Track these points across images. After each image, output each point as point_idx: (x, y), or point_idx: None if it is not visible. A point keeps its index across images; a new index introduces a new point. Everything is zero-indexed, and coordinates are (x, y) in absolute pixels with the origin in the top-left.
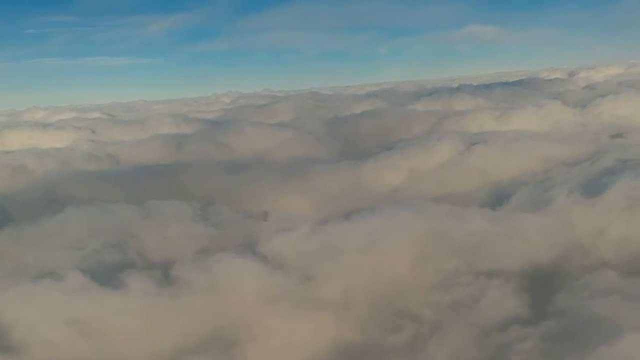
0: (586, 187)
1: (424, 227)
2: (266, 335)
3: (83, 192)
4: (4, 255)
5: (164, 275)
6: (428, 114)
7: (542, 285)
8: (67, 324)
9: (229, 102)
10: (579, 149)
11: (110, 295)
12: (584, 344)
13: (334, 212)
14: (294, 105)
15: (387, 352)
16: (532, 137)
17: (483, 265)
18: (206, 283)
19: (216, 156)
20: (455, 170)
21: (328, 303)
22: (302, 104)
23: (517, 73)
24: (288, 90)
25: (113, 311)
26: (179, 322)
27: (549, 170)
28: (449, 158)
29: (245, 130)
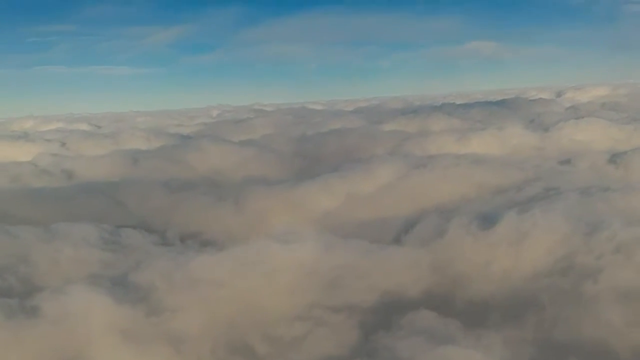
0: (487, 218)
1: (298, 259)
2: None
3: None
4: None
5: (20, 305)
6: (393, 134)
7: (378, 322)
8: None
9: (214, 116)
10: (516, 176)
11: None
12: None
13: (252, 236)
14: (273, 121)
15: None
16: (476, 162)
17: (339, 299)
18: (58, 314)
19: (169, 174)
20: (387, 195)
21: (172, 337)
22: (280, 120)
23: (510, 91)
24: (279, 104)
25: None
26: (13, 357)
27: (470, 199)
28: (385, 183)
29: (207, 148)
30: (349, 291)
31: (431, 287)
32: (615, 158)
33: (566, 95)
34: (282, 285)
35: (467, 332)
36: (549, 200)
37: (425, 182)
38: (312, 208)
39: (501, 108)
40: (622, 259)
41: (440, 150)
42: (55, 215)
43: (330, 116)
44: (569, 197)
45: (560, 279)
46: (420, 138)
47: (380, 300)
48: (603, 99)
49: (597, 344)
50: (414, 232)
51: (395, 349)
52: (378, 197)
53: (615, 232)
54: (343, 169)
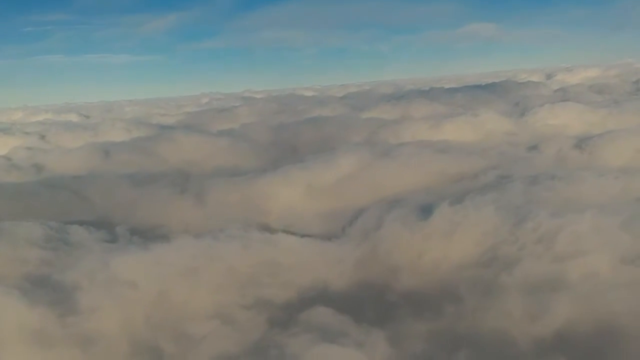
0: (426, 209)
1: (220, 256)
2: None
3: None
4: None
5: None
6: (370, 121)
7: (287, 319)
8: None
9: (203, 104)
10: (478, 163)
11: None
12: None
13: (208, 230)
14: (257, 109)
15: None
16: (441, 150)
17: (253, 296)
18: None
19: (138, 166)
20: (346, 186)
21: (82, 339)
22: (264, 108)
23: (504, 73)
24: (271, 90)
25: None
26: None
27: (425, 189)
28: (347, 173)
29: (181, 139)
30: (265, 288)
31: (355, 282)
32: (581, 143)
33: (556, 77)
34: (200, 283)
35: (361, 328)
36: (494, 190)
37: (385, 172)
38: (272, 200)
39: (488, 92)
40: (542, 250)
41: (414, 138)
42: (10, 212)
43: (316, 103)
44: (515, 186)
45: (483, 271)
46: (395, 125)
47: (294, 296)
48: (592, 81)
49: (498, 335)
50: (357, 224)
51: (284, 347)
52: (337, 188)
53: (539, 223)
54: (307, 159)
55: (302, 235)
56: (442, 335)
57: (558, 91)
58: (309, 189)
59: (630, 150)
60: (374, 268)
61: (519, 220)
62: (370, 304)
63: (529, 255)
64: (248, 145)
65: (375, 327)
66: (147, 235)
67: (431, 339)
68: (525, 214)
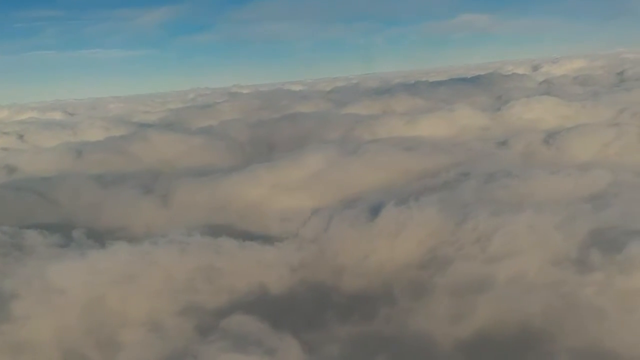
0: (376, 209)
1: (159, 262)
2: None
3: None
4: None
5: None
6: (347, 118)
7: (214, 326)
8: None
9: (188, 100)
10: (444, 160)
11: None
12: None
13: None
14: (239, 105)
15: None
16: (410, 147)
17: (185, 303)
18: None
19: (109, 167)
20: (310, 186)
21: (11, 348)
22: (247, 105)
23: (493, 65)
24: (259, 85)
25: None
26: None
27: (388, 187)
28: (313, 172)
29: (156, 138)
30: (198, 294)
31: (296, 285)
32: (549, 138)
33: (542, 69)
34: (135, 289)
35: (278, 335)
36: (450, 188)
37: (350, 171)
38: (236, 200)
39: (472, 85)
40: (477, 251)
41: (389, 134)
42: None
43: (300, 99)
44: (470, 184)
45: (421, 272)
46: (371, 121)
47: (227, 302)
48: (577, 72)
49: (421, 337)
50: (309, 225)
51: (197, 356)
52: (301, 188)
53: (478, 223)
54: (276, 158)
55: (258, 237)
56: (367, 339)
57: (543, 83)
58: (273, 189)
59: (596, 145)
60: (319, 270)
61: (461, 220)
62: (308, 307)
63: (464, 256)
64: (224, 143)
65: (300, 333)
66: (107, 238)
67: (354, 343)
68: (468, 214)
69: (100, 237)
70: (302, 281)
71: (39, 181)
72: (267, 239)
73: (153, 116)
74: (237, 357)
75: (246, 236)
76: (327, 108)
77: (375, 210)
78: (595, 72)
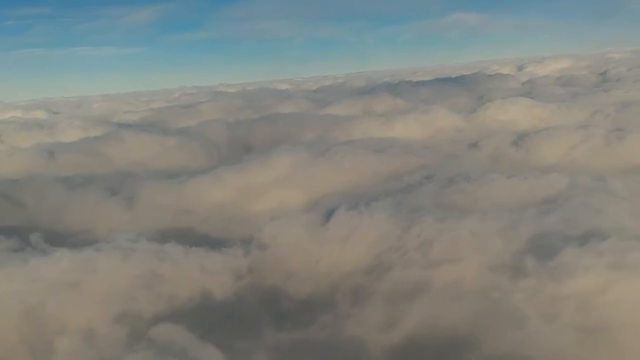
0: (331, 214)
1: (100, 269)
2: None
3: None
4: None
5: None
6: (324, 119)
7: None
8: None
9: (173, 99)
10: (411, 163)
11: None
12: None
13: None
14: (221, 105)
15: None
16: (379, 149)
17: (121, 310)
18: None
19: (81, 168)
20: (276, 188)
21: None
22: (229, 104)
23: (480, 64)
24: (246, 83)
25: None
26: None
27: (351, 190)
28: (279, 175)
29: (130, 139)
30: (136, 302)
31: (240, 291)
32: (518, 141)
33: (527, 69)
34: (73, 297)
35: (203, 344)
36: (410, 192)
37: (316, 173)
38: (199, 204)
39: (456, 85)
40: (419, 256)
41: (364, 135)
42: None
43: (283, 99)
44: (429, 188)
45: (364, 277)
46: (347, 122)
47: (164, 310)
48: (561, 72)
49: (353, 344)
50: (266, 229)
51: None
52: (265, 191)
53: (424, 228)
54: (244, 160)
55: (216, 241)
56: (298, 346)
57: (526, 83)
58: (240, 192)
59: (563, 148)
60: (268, 276)
61: (408, 226)
62: (249, 314)
63: (406, 261)
64: (199, 144)
65: (233, 341)
66: (67, 241)
67: (285, 351)
68: (416, 219)
69: (59, 241)
70: (250, 287)
71: (5, 183)
72: (224, 243)
73: (135, 116)
74: None
75: (205, 240)
76: (308, 108)
77: (331, 214)
78: (580, 72)
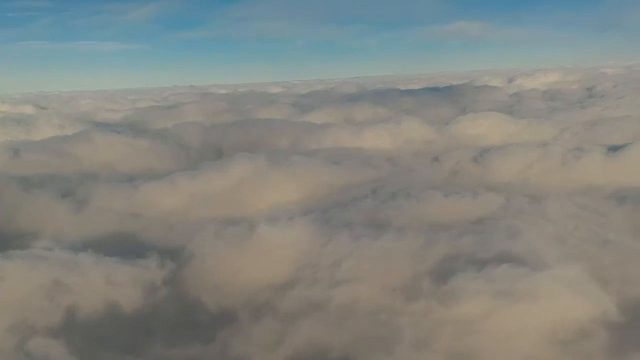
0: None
1: (5, 277)
2: None
3: None
4: None
5: None
6: (298, 126)
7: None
8: None
9: (160, 99)
10: (364, 175)
11: None
12: None
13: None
14: (204, 107)
15: None
16: (335, 161)
17: (20, 320)
18: None
19: (42, 169)
20: (227, 197)
21: None
22: (211, 107)
23: (474, 74)
24: (238, 85)
25: None
26: None
27: (289, 203)
28: (233, 183)
29: (98, 140)
30: (35, 312)
31: (149, 303)
32: (478, 157)
33: (517, 81)
34: None
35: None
36: (350, 206)
37: (269, 183)
38: (149, 209)
39: (441, 95)
40: (326, 275)
41: (335, 144)
42: None
43: (266, 103)
44: (368, 204)
45: (273, 294)
46: (319, 131)
47: (59, 322)
48: (550, 86)
49: None
50: (197, 239)
51: None
52: (216, 199)
53: (339, 246)
54: (201, 166)
55: (151, 249)
56: None
57: (513, 96)
58: (190, 199)
59: (520, 166)
60: (190, 288)
61: (325, 243)
62: (148, 329)
63: (314, 279)
64: (167, 148)
65: (116, 357)
66: (11, 243)
67: None
68: (334, 236)
69: (4, 243)
70: (166, 299)
71: None
72: (157, 252)
73: (117, 115)
74: None
75: (137, 248)
76: (290, 114)
77: (262, 227)
78: (569, 87)
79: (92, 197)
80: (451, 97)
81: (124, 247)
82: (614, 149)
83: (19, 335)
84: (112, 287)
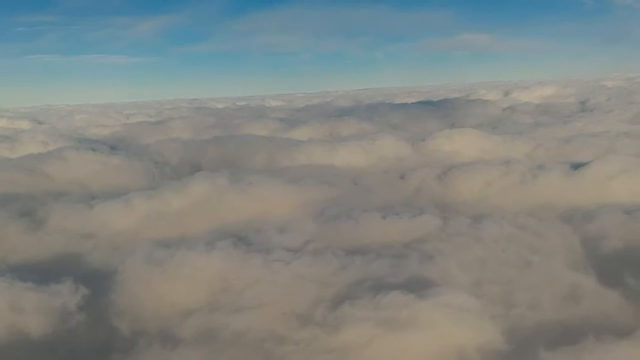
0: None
1: None
2: None
3: None
4: None
5: None
6: (272, 142)
7: None
8: None
9: (154, 114)
10: (323, 195)
11: None
12: None
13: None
14: (192, 123)
15: None
16: (295, 179)
17: None
18: None
19: (8, 187)
20: (181, 217)
21: None
22: (199, 122)
23: (473, 86)
24: (237, 98)
25: None
26: None
27: (237, 224)
28: (190, 202)
29: (72, 158)
30: None
31: (65, 329)
32: (442, 175)
33: (513, 94)
34: None
35: None
36: (284, 228)
37: (225, 203)
38: (101, 229)
39: (433, 110)
40: (232, 300)
41: (308, 161)
42: None
43: (254, 118)
44: (306, 225)
45: (176, 319)
46: (294, 148)
47: None
48: (544, 99)
49: None
50: (127, 263)
51: None
52: (169, 220)
53: (252, 270)
54: (160, 185)
55: (89, 273)
56: None
57: (506, 109)
58: (142, 219)
59: (480, 184)
60: (112, 313)
61: (241, 266)
62: (56, 355)
63: (219, 304)
64: (141, 165)
65: None
66: None
67: None
68: (251, 260)
69: None
70: (79, 325)
71: None
72: (88, 275)
73: (105, 130)
74: None
75: (75, 270)
76: (275, 130)
77: (183, 251)
78: (565, 100)
79: (50, 217)
80: (442, 111)
81: (57, 269)
82: (577, 167)
83: None
84: (20, 313)
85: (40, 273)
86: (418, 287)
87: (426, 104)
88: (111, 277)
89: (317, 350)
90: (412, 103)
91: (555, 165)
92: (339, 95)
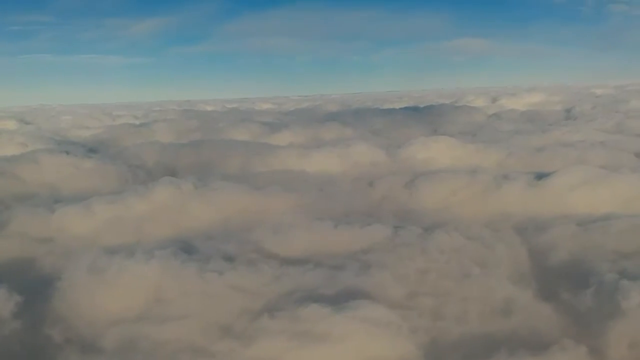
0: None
1: None
2: None
3: None
4: None
5: None
6: (248, 147)
7: None
8: None
9: (140, 115)
10: (288, 202)
11: None
12: None
13: None
14: (174, 126)
15: None
16: (260, 186)
17: None
18: None
19: None
20: (140, 223)
21: None
22: (181, 125)
23: (464, 91)
24: (228, 100)
25: None
26: None
27: (189, 232)
28: (150, 208)
29: (45, 161)
30: None
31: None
32: (409, 183)
33: (500, 101)
34: None
35: None
36: (229, 237)
37: (185, 209)
38: (62, 233)
39: (418, 115)
40: (160, 310)
41: (282, 166)
42: None
43: (237, 122)
44: (254, 234)
45: (101, 329)
46: (269, 153)
47: None
48: (531, 106)
49: None
50: (69, 271)
51: None
52: (129, 225)
53: (186, 281)
54: (124, 190)
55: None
56: None
57: (491, 117)
58: (101, 224)
59: (445, 193)
60: (40, 320)
61: (176, 276)
62: None
63: (147, 314)
64: (113, 168)
65: None
66: None
67: None
68: (185, 269)
69: None
70: (14, 331)
71: None
72: (32, 282)
73: (88, 132)
74: None
75: (30, 276)
76: (256, 134)
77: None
78: (552, 107)
79: (11, 221)
80: (427, 117)
81: (5, 274)
82: (542, 177)
83: None
84: None
85: None
86: (348, 299)
87: (412, 109)
88: (49, 284)
89: None
90: (398, 109)
91: (520, 175)
92: (330, 99)
